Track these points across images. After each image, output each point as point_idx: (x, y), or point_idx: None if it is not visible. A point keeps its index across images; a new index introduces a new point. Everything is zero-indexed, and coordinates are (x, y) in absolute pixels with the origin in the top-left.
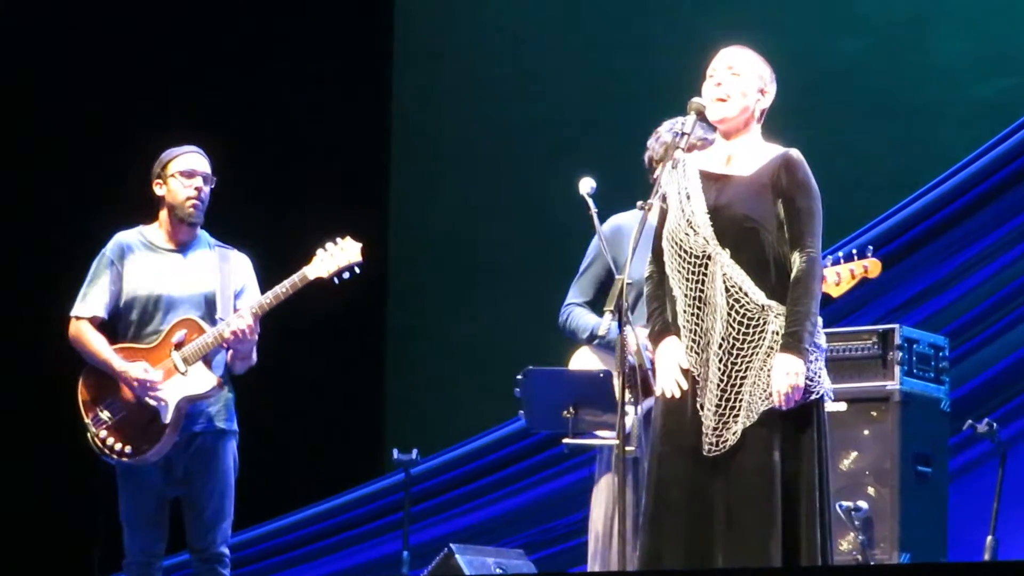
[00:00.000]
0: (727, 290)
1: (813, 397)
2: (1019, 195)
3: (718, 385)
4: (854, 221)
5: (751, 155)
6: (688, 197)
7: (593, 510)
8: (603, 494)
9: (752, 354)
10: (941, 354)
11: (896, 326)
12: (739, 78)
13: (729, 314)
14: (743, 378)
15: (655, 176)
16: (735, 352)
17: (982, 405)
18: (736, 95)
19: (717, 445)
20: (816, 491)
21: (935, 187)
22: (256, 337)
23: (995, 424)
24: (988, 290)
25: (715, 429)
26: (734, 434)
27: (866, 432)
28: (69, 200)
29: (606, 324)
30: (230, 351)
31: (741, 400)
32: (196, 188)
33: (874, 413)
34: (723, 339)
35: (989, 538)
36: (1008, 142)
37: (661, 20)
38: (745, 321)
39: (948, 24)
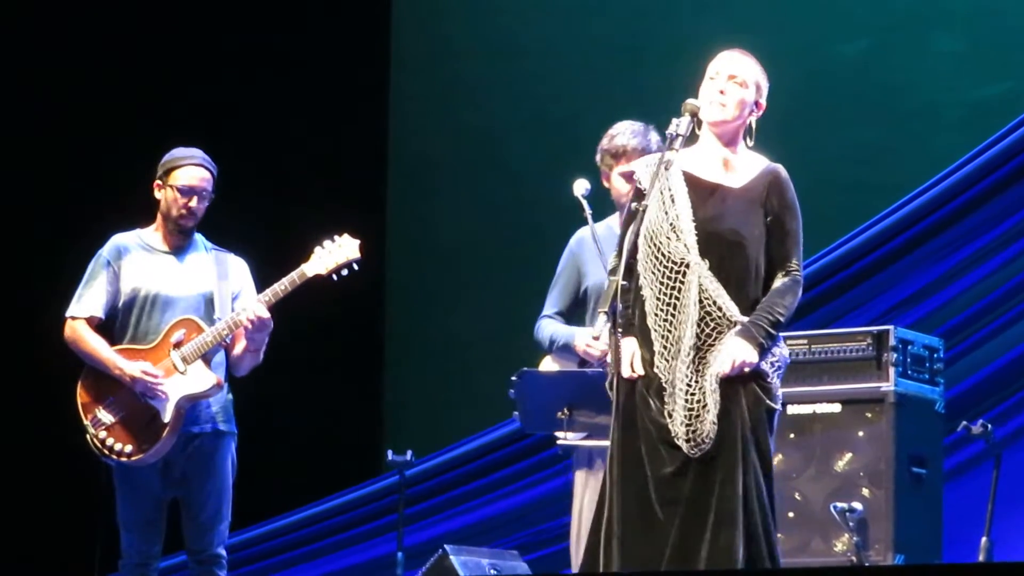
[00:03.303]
0: (701, 301)
1: (773, 405)
2: (1013, 196)
3: (685, 391)
4: (850, 223)
5: (740, 166)
6: (672, 200)
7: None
8: (575, 495)
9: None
10: (936, 355)
11: (891, 327)
12: (743, 89)
13: (699, 324)
14: (705, 378)
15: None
16: (699, 361)
17: (976, 405)
18: (736, 104)
19: (697, 443)
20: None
21: (929, 189)
22: (272, 326)
23: (989, 425)
24: (982, 291)
25: (689, 427)
26: (712, 423)
27: (861, 433)
28: (69, 201)
29: (600, 326)
30: (237, 350)
31: (706, 395)
32: (189, 207)
33: (869, 414)
34: (691, 348)
35: (984, 539)
36: (1002, 144)
37: (659, 22)
38: (714, 334)
39: (945, 27)
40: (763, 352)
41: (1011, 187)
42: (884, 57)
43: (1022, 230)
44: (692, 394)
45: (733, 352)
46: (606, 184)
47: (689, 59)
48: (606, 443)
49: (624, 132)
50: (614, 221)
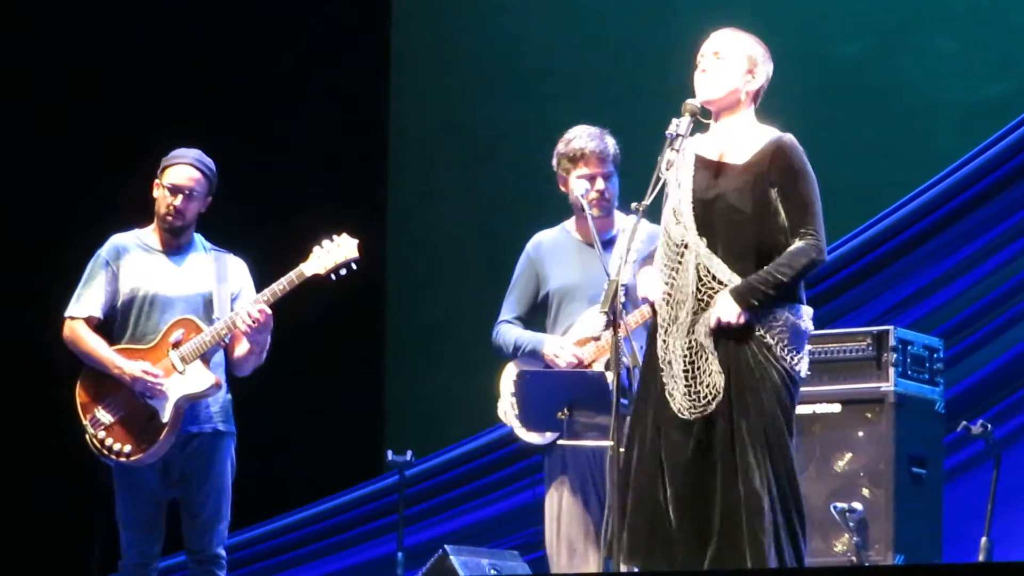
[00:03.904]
0: (699, 278)
1: (781, 368)
2: (1012, 196)
3: (685, 356)
4: (849, 223)
5: (744, 140)
6: (679, 186)
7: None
8: (548, 504)
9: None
10: (935, 356)
11: (891, 328)
12: (723, 61)
13: (698, 300)
14: (701, 328)
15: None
16: (695, 331)
17: (976, 405)
18: (720, 78)
19: (706, 398)
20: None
21: (929, 189)
22: (272, 325)
23: (989, 425)
24: (982, 291)
25: (689, 387)
26: (719, 372)
27: (860, 434)
28: (70, 201)
29: (600, 325)
30: (240, 352)
31: (705, 348)
32: (175, 207)
33: (869, 415)
34: (688, 315)
35: (984, 539)
36: (1001, 144)
37: (659, 21)
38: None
39: (944, 27)
40: (754, 311)
41: (1010, 187)
42: (883, 57)
43: (1022, 230)
44: (694, 357)
45: (717, 309)
46: (563, 188)
47: (688, 59)
48: (607, 443)
49: (580, 136)
50: (570, 225)
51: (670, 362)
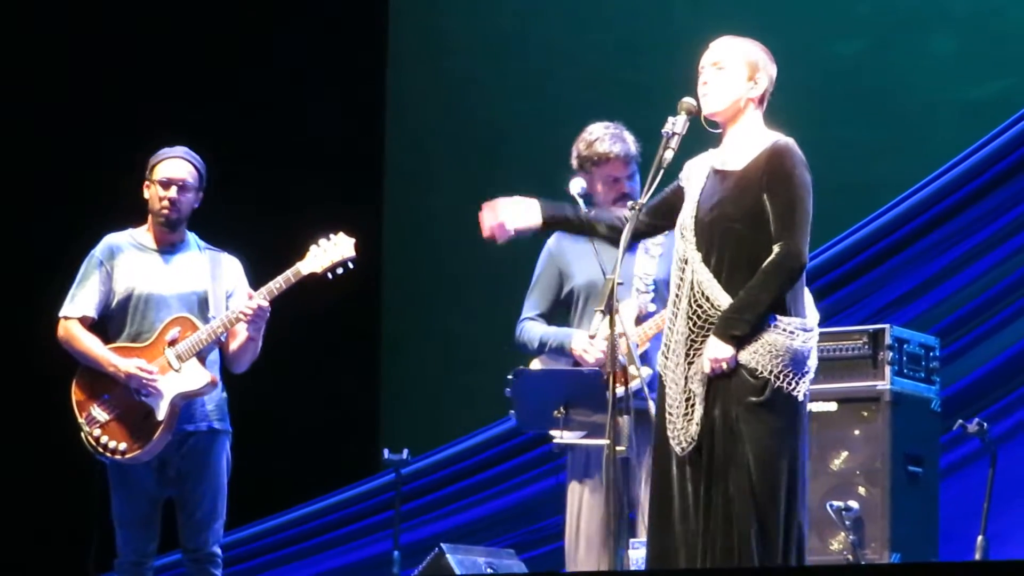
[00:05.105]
0: (693, 296)
1: (759, 399)
2: (1008, 193)
3: (682, 387)
4: (846, 221)
5: (746, 147)
6: (689, 200)
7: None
8: (570, 499)
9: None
10: (932, 354)
11: (887, 326)
12: (723, 72)
13: (690, 318)
14: (695, 376)
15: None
16: (692, 353)
17: (972, 404)
18: (722, 89)
19: (681, 443)
20: (755, 488)
21: (925, 186)
22: (268, 316)
23: (985, 423)
24: (978, 289)
25: (681, 428)
26: (696, 424)
27: (856, 432)
28: (64, 201)
29: (596, 324)
30: (235, 344)
31: (695, 395)
32: (169, 199)
33: (865, 413)
34: (683, 343)
35: (980, 538)
36: (997, 141)
37: (656, 21)
38: (706, 327)
39: (942, 26)
40: (741, 343)
41: (1006, 184)
42: (881, 57)
43: (1017, 227)
44: (683, 394)
45: (708, 352)
46: (588, 189)
47: (686, 57)
48: (602, 442)
49: (603, 139)
50: None
51: (675, 381)
